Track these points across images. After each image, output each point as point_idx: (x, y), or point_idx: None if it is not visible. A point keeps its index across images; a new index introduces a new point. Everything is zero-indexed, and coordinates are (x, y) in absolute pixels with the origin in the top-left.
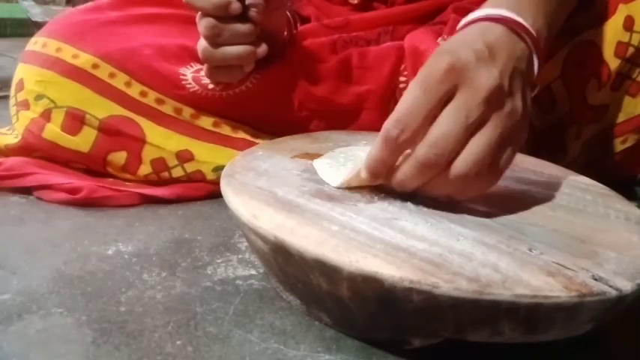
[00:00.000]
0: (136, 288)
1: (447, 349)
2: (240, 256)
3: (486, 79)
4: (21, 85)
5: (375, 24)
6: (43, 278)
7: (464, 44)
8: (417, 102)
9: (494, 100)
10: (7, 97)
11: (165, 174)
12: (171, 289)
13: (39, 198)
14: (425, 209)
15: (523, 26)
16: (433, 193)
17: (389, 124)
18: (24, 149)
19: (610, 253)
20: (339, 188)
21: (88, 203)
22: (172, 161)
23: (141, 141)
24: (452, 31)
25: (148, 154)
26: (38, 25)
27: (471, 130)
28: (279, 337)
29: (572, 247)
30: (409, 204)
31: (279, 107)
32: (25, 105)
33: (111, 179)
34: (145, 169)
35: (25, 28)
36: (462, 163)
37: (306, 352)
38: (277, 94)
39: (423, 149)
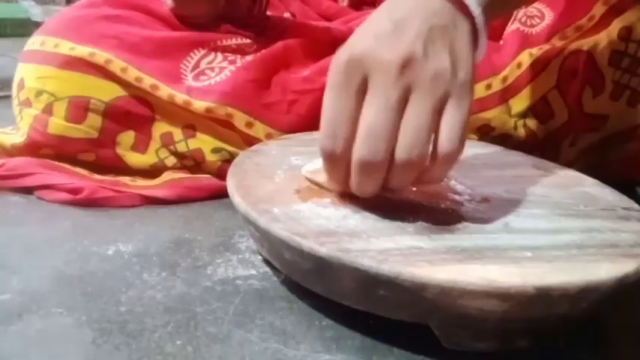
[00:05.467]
0: (136, 288)
1: (450, 350)
2: (240, 256)
3: (391, 54)
4: (22, 85)
5: None
6: (43, 278)
7: (363, 31)
8: (334, 109)
9: (409, 72)
10: (7, 97)
11: (172, 147)
12: (171, 289)
13: (40, 198)
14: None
15: None
16: (401, 191)
17: (321, 141)
18: (30, 147)
19: None
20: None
21: (89, 203)
22: (178, 136)
23: (150, 118)
24: None
25: (158, 128)
26: (38, 25)
27: (398, 111)
28: (279, 337)
29: None
30: None
31: (264, 93)
32: (27, 103)
33: (112, 180)
34: (154, 145)
35: (25, 28)
36: (400, 150)
37: (306, 352)
38: (263, 77)
39: (356, 151)
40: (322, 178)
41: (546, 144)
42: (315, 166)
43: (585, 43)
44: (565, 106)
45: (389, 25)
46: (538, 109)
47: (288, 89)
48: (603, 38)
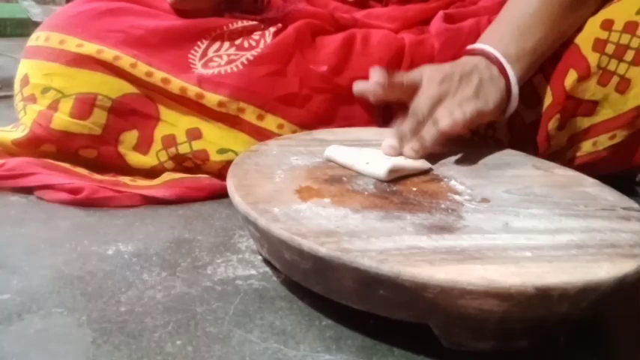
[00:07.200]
0: (136, 288)
1: (450, 350)
2: (240, 256)
3: (438, 70)
4: (26, 81)
5: (380, 27)
6: (43, 278)
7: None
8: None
9: (444, 85)
10: (7, 97)
11: (173, 150)
12: (171, 289)
13: (40, 198)
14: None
15: (487, 53)
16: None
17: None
18: (32, 142)
19: None
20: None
21: (89, 203)
22: (182, 138)
23: (155, 119)
24: (441, 39)
25: (161, 131)
26: (38, 25)
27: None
28: (279, 337)
29: None
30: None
31: (280, 83)
32: (31, 99)
33: (112, 179)
34: (156, 147)
35: (25, 28)
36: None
37: (306, 352)
38: (279, 69)
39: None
40: (342, 159)
41: (535, 129)
42: (335, 151)
43: None
44: (550, 88)
45: (447, 66)
46: (525, 93)
47: (305, 83)
48: (585, 28)
